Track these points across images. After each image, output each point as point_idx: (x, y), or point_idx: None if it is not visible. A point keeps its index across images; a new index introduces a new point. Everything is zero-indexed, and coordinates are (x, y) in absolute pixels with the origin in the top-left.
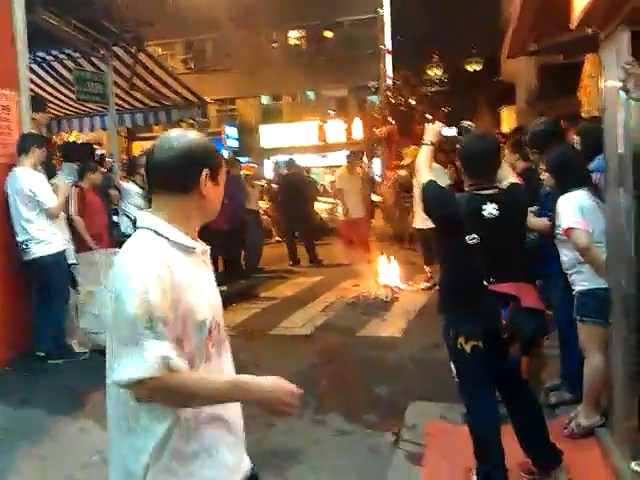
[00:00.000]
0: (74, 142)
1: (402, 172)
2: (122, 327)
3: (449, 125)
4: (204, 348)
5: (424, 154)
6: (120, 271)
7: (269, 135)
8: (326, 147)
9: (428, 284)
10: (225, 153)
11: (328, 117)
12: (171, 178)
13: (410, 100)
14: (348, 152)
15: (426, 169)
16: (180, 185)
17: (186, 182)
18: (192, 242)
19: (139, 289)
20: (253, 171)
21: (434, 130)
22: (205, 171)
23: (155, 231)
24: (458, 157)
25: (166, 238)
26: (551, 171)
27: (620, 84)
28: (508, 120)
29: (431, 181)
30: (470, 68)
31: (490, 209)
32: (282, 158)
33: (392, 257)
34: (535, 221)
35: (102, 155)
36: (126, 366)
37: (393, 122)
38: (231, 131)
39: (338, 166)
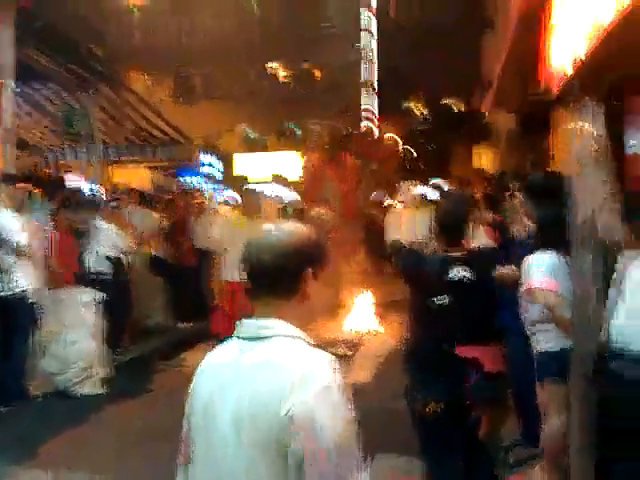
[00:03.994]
0: (46, 177)
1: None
2: (328, 459)
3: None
4: None
5: (396, 213)
6: (325, 397)
7: (243, 164)
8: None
9: None
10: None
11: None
12: (279, 282)
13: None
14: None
15: (395, 228)
16: (286, 289)
17: (292, 286)
18: None
19: (349, 416)
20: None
21: (409, 189)
22: (309, 270)
23: (302, 339)
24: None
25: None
26: (543, 227)
27: (592, 151)
28: (486, 161)
29: (397, 241)
30: (451, 108)
31: (458, 271)
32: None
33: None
34: (501, 272)
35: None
36: None
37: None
38: (206, 158)
39: None
